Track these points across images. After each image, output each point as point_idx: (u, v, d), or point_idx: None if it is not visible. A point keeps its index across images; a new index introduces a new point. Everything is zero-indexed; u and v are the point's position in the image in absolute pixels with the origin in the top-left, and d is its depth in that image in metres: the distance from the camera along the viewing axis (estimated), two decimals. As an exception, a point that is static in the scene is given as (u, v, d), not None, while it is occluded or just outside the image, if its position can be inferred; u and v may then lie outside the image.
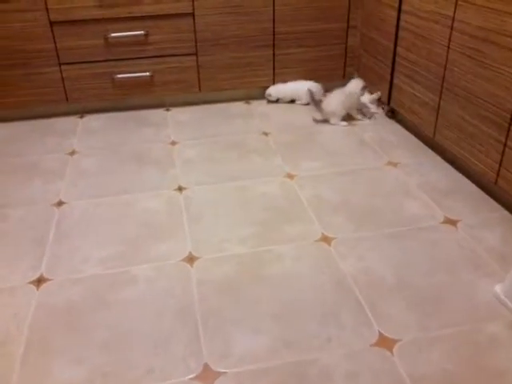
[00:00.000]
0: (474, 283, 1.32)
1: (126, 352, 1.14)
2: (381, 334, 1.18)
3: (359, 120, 2.33)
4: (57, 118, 2.44)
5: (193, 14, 2.30)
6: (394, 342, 1.16)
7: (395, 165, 1.93)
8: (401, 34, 2.08)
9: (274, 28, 2.42)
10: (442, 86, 1.84)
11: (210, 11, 2.31)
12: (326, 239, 1.51)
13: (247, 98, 2.62)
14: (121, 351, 1.14)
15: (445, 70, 1.80)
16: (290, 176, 1.86)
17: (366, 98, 2.37)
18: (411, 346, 1.14)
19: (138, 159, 2.01)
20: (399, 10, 2.07)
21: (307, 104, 2.47)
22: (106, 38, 2.27)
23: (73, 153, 2.08)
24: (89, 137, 2.21)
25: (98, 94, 2.39)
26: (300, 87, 2.49)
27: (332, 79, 2.59)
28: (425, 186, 1.77)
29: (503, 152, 1.55)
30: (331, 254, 1.45)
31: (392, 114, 2.37)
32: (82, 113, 2.48)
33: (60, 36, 2.23)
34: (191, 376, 1.08)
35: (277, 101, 2.55)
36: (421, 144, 2.10)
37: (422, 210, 1.64)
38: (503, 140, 1.54)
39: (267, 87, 2.54)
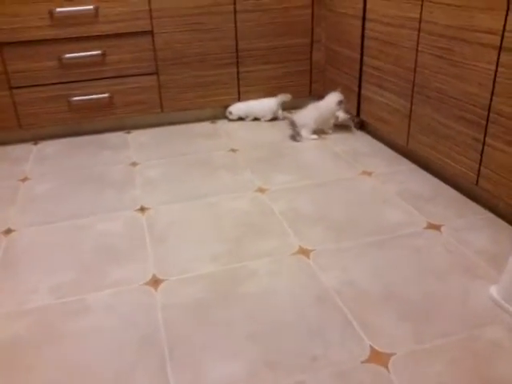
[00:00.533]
0: (466, 287, 1.22)
1: (79, 390, 0.97)
2: (373, 349, 1.04)
3: (329, 134, 2.25)
4: (9, 145, 2.27)
5: (152, 32, 2.22)
6: (388, 356, 1.02)
7: (369, 174, 1.84)
8: (366, 43, 2.04)
9: (236, 45, 2.35)
10: (412, 91, 1.78)
11: (169, 29, 2.23)
12: (304, 252, 1.39)
13: (213, 118, 2.52)
14: (73, 389, 0.97)
15: (414, 73, 1.75)
16: (262, 190, 1.75)
17: (341, 114, 2.28)
18: (407, 359, 1.01)
19: (95, 182, 1.86)
20: (363, 19, 2.03)
21: (271, 120, 2.41)
22: (61, 60, 2.15)
23: (25, 179, 1.91)
24: (43, 163, 2.06)
25: (53, 118, 2.25)
26: (262, 104, 2.43)
27: (298, 96, 2.52)
28: (403, 194, 1.68)
29: (482, 151, 1.48)
30: (311, 267, 1.32)
31: (361, 126, 2.31)
32: (37, 139, 2.33)
33: (10, 58, 2.10)
34: (157, 412, 0.92)
35: (240, 119, 2.46)
36: (394, 153, 2.03)
37: (402, 216, 1.54)
38: (481, 138, 1.47)
39: (231, 104, 2.45)
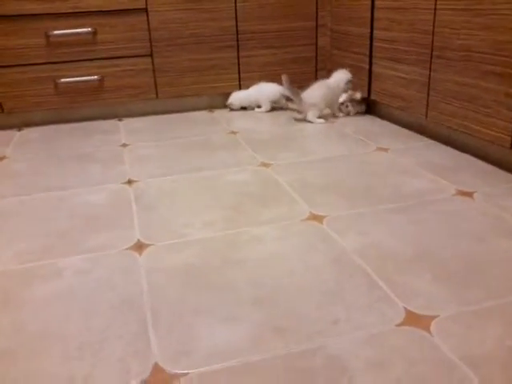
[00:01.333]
0: (510, 249, 1.01)
1: (35, 360, 0.75)
2: (408, 311, 0.83)
3: (338, 117, 2.08)
4: (-10, 131, 2.09)
5: (146, 10, 2.07)
6: (429, 319, 0.81)
7: (385, 150, 1.65)
8: (377, 15, 1.88)
9: (237, 27, 2.20)
10: (431, 56, 1.61)
11: (165, 7, 2.08)
12: (316, 218, 1.18)
13: (211, 107, 2.35)
14: (30, 359, 0.76)
15: (433, 36, 1.58)
16: (265, 165, 1.56)
17: (347, 95, 2.11)
18: (454, 322, 0.80)
19: (80, 160, 1.67)
20: (373, -10, 1.88)
21: (269, 111, 2.24)
22: (48, 37, 1.99)
23: (2, 158, 1.72)
24: (24, 145, 1.87)
25: (39, 102, 2.08)
26: (262, 92, 2.23)
27: (303, 83, 2.35)
28: (425, 165, 1.49)
29: (517, 106, 1.29)
30: (325, 231, 1.12)
31: (370, 110, 2.13)
32: (21, 126, 2.15)
33: (-8, 34, 1.95)
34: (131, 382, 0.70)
35: (242, 108, 2.28)
36: (410, 132, 1.84)
37: (426, 184, 1.34)
38: (516, 92, 1.29)
39: (231, 93, 2.28)
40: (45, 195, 1.38)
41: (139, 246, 1.08)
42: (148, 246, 1.08)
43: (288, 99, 2.11)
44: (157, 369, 0.73)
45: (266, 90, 2.23)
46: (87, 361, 0.75)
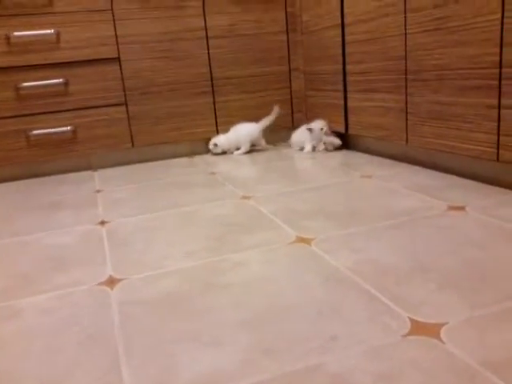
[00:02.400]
0: (518, 253, 0.93)
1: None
2: (414, 321, 0.74)
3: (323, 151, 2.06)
4: (-43, 189, 2.00)
5: (118, 59, 2.06)
6: (438, 326, 0.72)
7: (369, 177, 1.60)
8: (348, 50, 1.90)
9: (211, 73, 2.21)
10: (406, 81, 1.60)
11: (137, 55, 2.08)
12: (303, 240, 1.10)
13: (191, 153, 2.30)
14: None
15: (406, 60, 1.58)
16: (247, 197, 1.48)
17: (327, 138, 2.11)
18: (466, 328, 0.71)
19: (50, 207, 1.58)
20: (342, 26, 1.91)
21: (247, 152, 2.21)
22: (18, 90, 1.96)
23: (-33, 211, 1.62)
24: (-7, 197, 1.78)
25: (9, 156, 2.00)
26: (241, 132, 2.21)
27: (281, 126, 2.34)
28: (412, 187, 1.44)
29: (499, 117, 1.27)
30: (314, 252, 1.03)
31: (346, 145, 2.11)
32: (-10, 182, 2.06)
33: (-40, 89, 1.90)
34: (99, 421, 0.58)
35: (223, 153, 2.24)
36: (392, 161, 1.81)
37: (417, 203, 1.28)
38: (496, 103, 1.27)
39: (210, 138, 2.25)
40: (8, 241, 1.28)
41: (111, 281, 0.98)
42: (121, 280, 0.98)
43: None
44: (129, 403, 0.61)
45: (244, 131, 2.21)
46: (45, 401, 0.63)
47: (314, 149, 2.09)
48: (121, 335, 0.77)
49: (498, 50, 1.23)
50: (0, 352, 0.75)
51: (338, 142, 2.08)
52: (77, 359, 0.71)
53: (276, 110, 2.20)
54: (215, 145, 2.20)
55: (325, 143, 2.08)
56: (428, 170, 1.61)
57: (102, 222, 1.36)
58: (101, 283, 0.97)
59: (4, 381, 0.68)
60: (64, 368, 0.70)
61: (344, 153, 2.04)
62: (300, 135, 2.17)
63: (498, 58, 1.24)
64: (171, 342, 0.74)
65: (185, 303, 0.85)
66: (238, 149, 2.22)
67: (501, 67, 1.23)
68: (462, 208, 1.21)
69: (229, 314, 0.80)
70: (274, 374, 0.64)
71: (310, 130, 2.07)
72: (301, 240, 1.10)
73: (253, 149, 2.23)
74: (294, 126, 2.37)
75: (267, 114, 2.29)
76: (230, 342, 0.72)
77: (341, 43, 1.94)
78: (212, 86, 2.22)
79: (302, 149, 2.14)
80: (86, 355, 0.72)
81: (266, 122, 2.20)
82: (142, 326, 0.79)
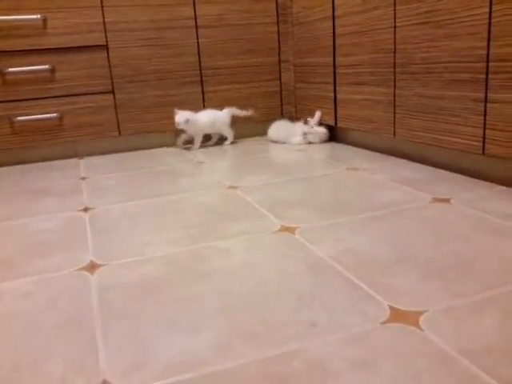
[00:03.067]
0: (497, 245, 0.94)
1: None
2: (394, 309, 0.74)
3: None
4: None
5: (106, 47, 2.04)
6: (418, 314, 0.72)
7: (356, 169, 1.60)
8: (338, 42, 1.90)
9: (199, 62, 2.19)
10: (394, 74, 1.60)
11: (125, 43, 2.06)
12: (287, 229, 1.10)
13: (171, 144, 2.28)
14: None
15: (395, 53, 1.58)
16: (233, 187, 1.48)
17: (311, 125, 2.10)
18: (445, 316, 0.71)
19: (33, 194, 1.56)
20: (333, 19, 1.90)
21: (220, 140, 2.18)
22: (3, 75, 1.93)
23: (-51, 196, 1.59)
24: (-25, 183, 1.75)
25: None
26: (219, 119, 2.13)
27: (269, 118, 2.34)
28: (397, 180, 1.44)
29: (485, 111, 1.27)
30: (298, 240, 1.03)
31: (334, 138, 2.11)
32: (-26, 168, 2.03)
33: None
34: (73, 403, 0.58)
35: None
36: (379, 154, 1.81)
37: (402, 196, 1.28)
38: (482, 96, 1.27)
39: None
40: (-9, 226, 1.26)
41: (91, 267, 0.96)
42: (101, 265, 0.97)
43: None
44: (104, 386, 0.60)
45: (221, 116, 2.14)
46: (23, 382, 0.62)
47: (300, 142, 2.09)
48: (99, 320, 0.76)
49: (485, 43, 1.24)
50: (-25, 335, 0.74)
51: (322, 130, 2.07)
52: (53, 343, 0.70)
53: (250, 111, 2.18)
54: (187, 121, 2.03)
55: (306, 134, 2.07)
56: (415, 164, 1.62)
57: (86, 209, 1.35)
58: (81, 268, 0.96)
59: (-23, 363, 0.67)
60: (40, 351, 0.69)
61: (332, 145, 2.04)
62: (278, 129, 2.16)
63: (485, 52, 1.24)
64: (149, 327, 0.73)
65: (165, 289, 0.85)
66: (207, 137, 2.18)
67: (488, 61, 1.24)
68: (446, 200, 1.22)
69: (209, 301, 0.80)
70: (251, 359, 0.64)
71: (305, 121, 2.07)
72: (285, 229, 1.10)
73: (235, 140, 2.22)
74: (283, 118, 2.36)
75: (255, 104, 2.28)
76: (207, 328, 0.72)
77: (331, 35, 1.93)
78: (201, 76, 2.20)
79: (281, 142, 2.12)
80: (63, 339, 0.71)
81: (236, 111, 2.16)
82: (120, 311, 0.78)
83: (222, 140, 2.22)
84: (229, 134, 2.19)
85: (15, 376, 0.63)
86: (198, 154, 2.04)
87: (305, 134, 2.06)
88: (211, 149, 2.13)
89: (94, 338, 0.71)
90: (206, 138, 2.20)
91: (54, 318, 0.78)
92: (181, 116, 2.02)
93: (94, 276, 0.92)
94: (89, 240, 1.11)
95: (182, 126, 2.05)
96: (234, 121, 2.21)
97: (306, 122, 2.08)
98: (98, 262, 0.98)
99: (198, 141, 2.13)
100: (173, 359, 0.65)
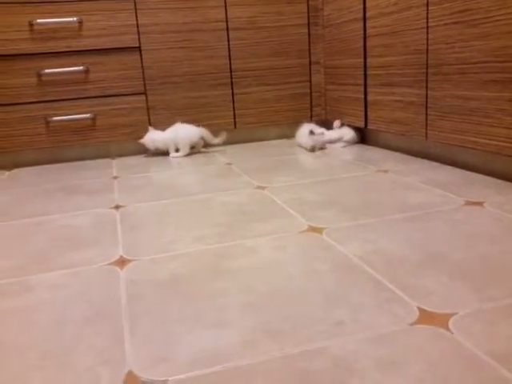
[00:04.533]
0: (535, 248, 0.91)
1: (-13, 370, 0.64)
2: (423, 310, 0.72)
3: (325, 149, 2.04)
4: (-22, 172, 2.04)
5: (139, 49, 2.08)
6: (447, 316, 0.70)
7: (386, 171, 1.58)
8: (369, 43, 1.88)
9: (230, 65, 2.20)
10: (426, 74, 1.58)
11: (158, 45, 2.09)
12: (314, 230, 1.09)
13: (207, 145, 2.30)
14: (-22, 370, 0.64)
15: (427, 54, 1.56)
16: (261, 187, 1.48)
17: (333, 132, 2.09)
18: (475, 319, 0.69)
19: (67, 191, 1.60)
20: (364, 20, 1.89)
21: (188, 154, 2.10)
22: (40, 76, 1.99)
23: (-13, 193, 1.65)
24: (11, 183, 1.81)
25: (29, 141, 2.04)
26: (180, 135, 2.06)
27: (299, 120, 2.33)
28: (429, 182, 1.41)
29: (521, 112, 1.24)
30: (325, 241, 1.02)
31: (364, 140, 2.09)
32: (10, 167, 2.10)
33: (-16, 74, 1.94)
34: (100, 392, 0.59)
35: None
36: (410, 157, 1.78)
37: (433, 198, 1.26)
38: (518, 97, 1.24)
39: (228, 130, 2.25)
40: (23, 221, 1.29)
41: (121, 262, 0.98)
42: (131, 260, 0.98)
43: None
44: (130, 377, 0.61)
45: (182, 133, 2.07)
46: (49, 370, 0.63)
47: (313, 149, 2.03)
48: (127, 313, 0.77)
49: (522, 42, 1.20)
50: (7, 324, 0.76)
51: (349, 134, 2.05)
52: (81, 334, 0.72)
53: (222, 136, 2.12)
54: (153, 140, 2.06)
55: (331, 142, 2.04)
56: (447, 166, 1.58)
57: (117, 207, 1.37)
58: (111, 263, 0.98)
59: (8, 351, 0.69)
60: (68, 341, 0.70)
61: (362, 148, 2.02)
62: (303, 134, 2.09)
63: (521, 52, 1.21)
64: (175, 321, 0.74)
65: (192, 285, 0.85)
66: (177, 150, 2.12)
67: (524, 61, 1.20)
68: (479, 203, 1.19)
69: (235, 297, 0.80)
70: (276, 355, 0.64)
71: (311, 132, 2.01)
72: (312, 229, 1.09)
73: (256, 143, 2.22)
74: (313, 121, 2.35)
75: (285, 106, 2.28)
76: (233, 323, 0.72)
77: (362, 37, 1.92)
78: (231, 78, 2.22)
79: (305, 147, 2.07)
80: (91, 330, 0.73)
81: (208, 135, 2.09)
82: (148, 305, 0.79)
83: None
84: (183, 150, 2.08)
85: (43, 363, 0.65)
86: (223, 156, 2.05)
87: (312, 134, 2.00)
88: (238, 150, 2.14)
89: (121, 330, 0.72)
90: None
91: (83, 309, 0.79)
92: (147, 138, 2.06)
93: (124, 271, 0.93)
94: (119, 236, 1.13)
95: (148, 146, 2.07)
96: (263, 121, 2.22)
97: (312, 133, 2.01)
98: (128, 258, 1.00)
99: (184, 150, 2.09)
100: (197, 353, 0.65)
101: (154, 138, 2.07)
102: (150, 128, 2.09)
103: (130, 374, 0.62)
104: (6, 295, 0.86)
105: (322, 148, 2.04)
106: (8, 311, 0.80)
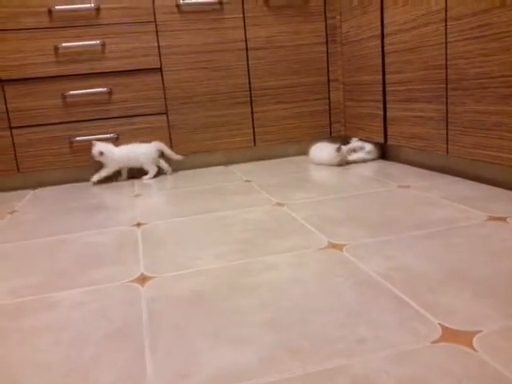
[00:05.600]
0: (562, 264, 0.89)
1: (11, 386, 0.65)
2: (445, 328, 0.71)
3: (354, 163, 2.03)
4: (3, 192, 2.09)
5: (161, 70, 2.12)
6: (471, 334, 0.69)
7: (407, 187, 1.57)
8: (388, 60, 1.88)
9: (249, 83, 2.23)
10: (446, 90, 1.57)
11: (179, 66, 2.13)
12: (334, 246, 1.09)
13: (226, 163, 2.32)
14: (3, 385, 0.66)
15: (446, 69, 1.55)
16: (280, 204, 1.48)
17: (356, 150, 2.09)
18: (501, 337, 0.68)
19: (89, 209, 1.62)
20: (382, 37, 1.90)
21: (155, 176, 2.11)
22: (64, 97, 2.04)
23: (13, 212, 1.69)
24: (36, 201, 1.85)
25: (54, 161, 2.08)
26: (138, 153, 2.06)
27: (318, 136, 2.34)
28: (451, 198, 1.40)
29: (544, 126, 1.22)
30: (345, 257, 1.01)
31: (383, 156, 2.08)
32: (35, 186, 2.15)
33: (12, 96, 2.00)
34: (121, 409, 0.59)
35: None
36: (432, 172, 1.76)
37: (455, 213, 1.24)
38: (540, 111, 1.22)
39: (248, 147, 2.27)
40: (47, 239, 1.32)
41: (142, 279, 0.99)
42: (152, 278, 0.99)
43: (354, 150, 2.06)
44: (150, 394, 0.61)
45: (144, 150, 2.06)
46: (71, 388, 0.64)
47: (341, 163, 2.04)
48: (148, 330, 0.78)
49: (543, 56, 1.19)
50: (31, 340, 0.77)
51: (368, 145, 2.05)
52: (103, 350, 0.73)
53: (178, 156, 2.14)
54: (101, 153, 2.00)
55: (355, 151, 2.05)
56: (469, 182, 1.56)
57: (138, 224, 1.39)
58: (132, 280, 0.99)
59: (32, 368, 0.70)
60: (90, 358, 0.71)
61: (382, 163, 2.01)
62: (321, 150, 2.11)
63: (543, 65, 1.20)
64: (196, 338, 0.74)
65: (212, 302, 0.86)
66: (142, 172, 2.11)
67: (546, 74, 1.19)
68: (502, 219, 1.17)
69: (255, 314, 0.80)
70: (297, 373, 0.63)
71: (339, 149, 2.02)
72: (332, 246, 1.09)
73: (275, 160, 2.23)
74: (332, 137, 2.36)
75: (304, 123, 2.30)
76: (253, 341, 0.72)
77: (380, 53, 1.93)
78: (250, 97, 2.24)
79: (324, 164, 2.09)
80: (113, 347, 0.73)
81: (165, 148, 2.10)
82: (168, 322, 0.80)
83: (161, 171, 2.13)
84: (150, 168, 2.10)
85: (66, 381, 0.66)
86: (241, 173, 2.06)
87: (339, 150, 2.01)
88: (258, 167, 2.15)
89: (142, 347, 0.73)
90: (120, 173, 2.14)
91: (104, 327, 0.80)
92: (96, 148, 2.00)
93: (144, 288, 0.94)
94: (140, 253, 1.14)
95: (97, 158, 2.01)
96: (282, 138, 2.23)
97: (338, 150, 2.03)
98: (149, 275, 1.01)
99: (106, 171, 2.05)
100: (217, 370, 0.65)
101: (101, 149, 1.99)
102: (94, 142, 2.01)
103: (150, 390, 0.62)
104: (29, 312, 0.88)
105: (347, 163, 2.05)
106: (31, 328, 0.82)
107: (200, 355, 0.69)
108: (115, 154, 2.03)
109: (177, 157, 2.14)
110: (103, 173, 2.05)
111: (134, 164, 2.08)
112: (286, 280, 0.92)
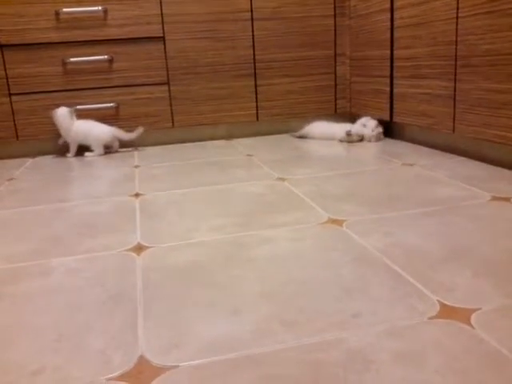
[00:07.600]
0: None
1: (1, 351, 0.65)
2: (443, 304, 0.70)
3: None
4: (2, 159, 2.07)
5: (163, 38, 2.08)
6: (469, 311, 0.67)
7: (411, 165, 1.54)
8: (396, 34, 1.84)
9: (254, 55, 2.18)
10: (455, 67, 1.53)
11: (182, 35, 2.09)
12: (334, 221, 1.07)
13: (228, 136, 2.30)
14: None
15: (456, 45, 1.51)
16: (282, 179, 1.46)
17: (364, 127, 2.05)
18: (500, 315, 0.66)
19: (87, 179, 1.61)
20: (391, 11, 1.85)
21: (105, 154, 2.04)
22: (65, 64, 2.00)
23: (10, 179, 1.68)
24: (35, 169, 1.83)
25: (53, 130, 2.05)
26: (93, 134, 1.99)
27: (323, 112, 2.30)
28: (455, 176, 1.37)
29: (554, 105, 1.19)
30: (345, 233, 1.00)
31: (388, 134, 2.05)
32: (35, 154, 2.13)
33: (11, 62, 1.97)
34: (111, 375, 0.58)
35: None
36: (437, 151, 1.73)
37: (459, 192, 1.22)
38: (551, 90, 1.19)
39: (251, 122, 2.23)
40: (44, 207, 1.31)
41: (139, 248, 0.98)
42: (148, 247, 0.98)
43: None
44: (142, 361, 0.61)
45: (95, 133, 2.00)
46: (62, 352, 0.63)
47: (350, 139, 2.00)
48: (141, 298, 0.77)
49: (557, 32, 1.15)
50: (24, 305, 0.77)
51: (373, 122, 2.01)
52: (96, 317, 0.72)
53: (139, 130, 2.05)
54: (60, 116, 1.95)
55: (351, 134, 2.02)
56: (475, 161, 1.54)
57: (137, 195, 1.38)
58: (128, 249, 0.97)
59: (24, 332, 0.69)
60: (82, 324, 0.70)
61: (387, 141, 1.99)
62: (322, 126, 2.12)
63: (556, 42, 1.16)
64: (189, 308, 0.73)
65: (208, 273, 0.85)
66: (88, 149, 2.04)
67: (559, 51, 1.15)
68: (506, 199, 1.15)
69: (250, 286, 0.79)
70: (290, 344, 0.62)
71: (348, 132, 1.99)
72: (332, 221, 1.07)
73: (278, 135, 2.20)
74: (337, 113, 2.32)
75: (309, 99, 2.26)
76: (248, 311, 0.71)
77: (389, 28, 1.88)
78: (254, 69, 2.20)
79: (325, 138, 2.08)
80: (106, 314, 0.72)
81: (122, 134, 2.04)
82: (163, 292, 0.79)
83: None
84: (97, 150, 2.02)
85: (57, 345, 0.65)
86: (243, 147, 2.04)
87: (349, 132, 1.99)
88: (260, 142, 2.13)
89: (135, 315, 0.72)
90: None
91: (98, 294, 0.79)
92: (59, 111, 1.95)
93: (140, 257, 0.93)
94: (138, 223, 1.13)
95: (54, 119, 1.96)
96: (285, 114, 2.20)
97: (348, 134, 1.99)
98: (145, 244, 0.99)
99: (72, 149, 2.03)
100: (211, 340, 0.64)
101: (72, 122, 1.96)
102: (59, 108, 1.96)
103: (141, 358, 0.61)
104: (24, 277, 0.87)
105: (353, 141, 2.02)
106: (26, 293, 0.81)
107: (194, 325, 0.68)
108: (74, 126, 1.97)
109: (134, 134, 2.05)
110: (72, 148, 2.02)
111: (84, 143, 2.01)
112: (283, 253, 0.91)
